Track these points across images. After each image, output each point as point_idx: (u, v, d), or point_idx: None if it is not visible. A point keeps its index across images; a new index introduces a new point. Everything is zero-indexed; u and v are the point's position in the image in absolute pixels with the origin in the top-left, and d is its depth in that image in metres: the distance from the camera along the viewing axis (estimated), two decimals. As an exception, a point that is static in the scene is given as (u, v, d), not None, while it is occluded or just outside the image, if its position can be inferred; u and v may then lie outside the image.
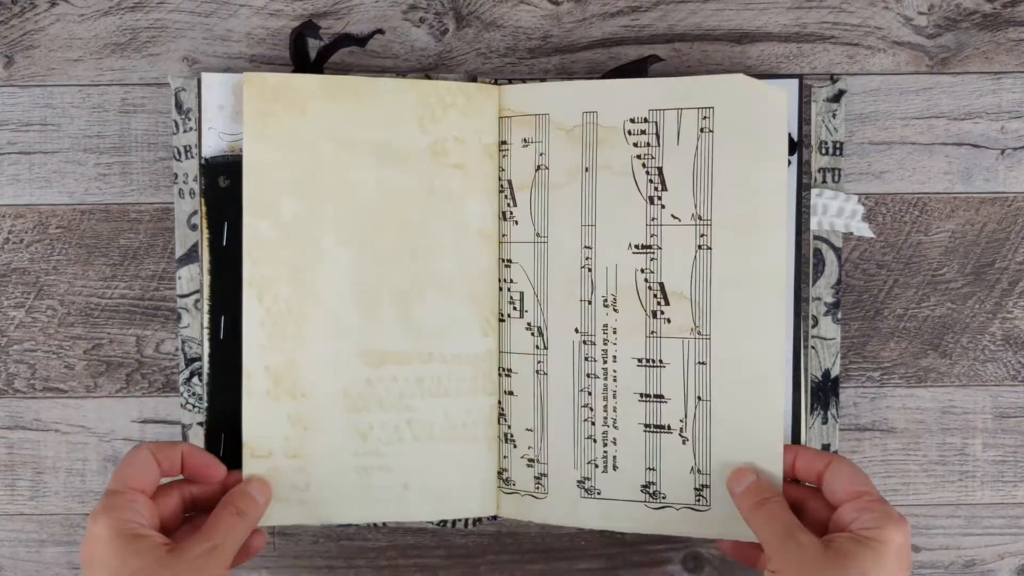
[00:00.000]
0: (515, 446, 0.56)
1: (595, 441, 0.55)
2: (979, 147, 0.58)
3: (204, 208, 0.55)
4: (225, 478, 0.52)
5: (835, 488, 0.49)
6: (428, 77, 0.56)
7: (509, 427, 0.56)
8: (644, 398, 0.54)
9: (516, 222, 0.56)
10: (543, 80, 0.57)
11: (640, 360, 0.54)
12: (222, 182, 0.55)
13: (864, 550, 0.45)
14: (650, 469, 0.54)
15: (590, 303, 0.54)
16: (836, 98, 0.56)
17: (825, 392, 0.57)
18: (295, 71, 0.55)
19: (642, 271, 0.54)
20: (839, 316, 0.57)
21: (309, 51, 0.56)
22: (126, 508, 0.46)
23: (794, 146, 0.54)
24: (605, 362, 0.54)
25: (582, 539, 0.59)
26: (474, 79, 0.56)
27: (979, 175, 0.58)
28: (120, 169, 0.58)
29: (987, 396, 0.59)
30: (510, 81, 0.56)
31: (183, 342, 0.57)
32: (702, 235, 0.53)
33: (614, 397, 0.54)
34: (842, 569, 0.45)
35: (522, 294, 0.56)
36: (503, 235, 0.56)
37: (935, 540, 0.59)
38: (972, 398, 0.59)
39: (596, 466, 0.55)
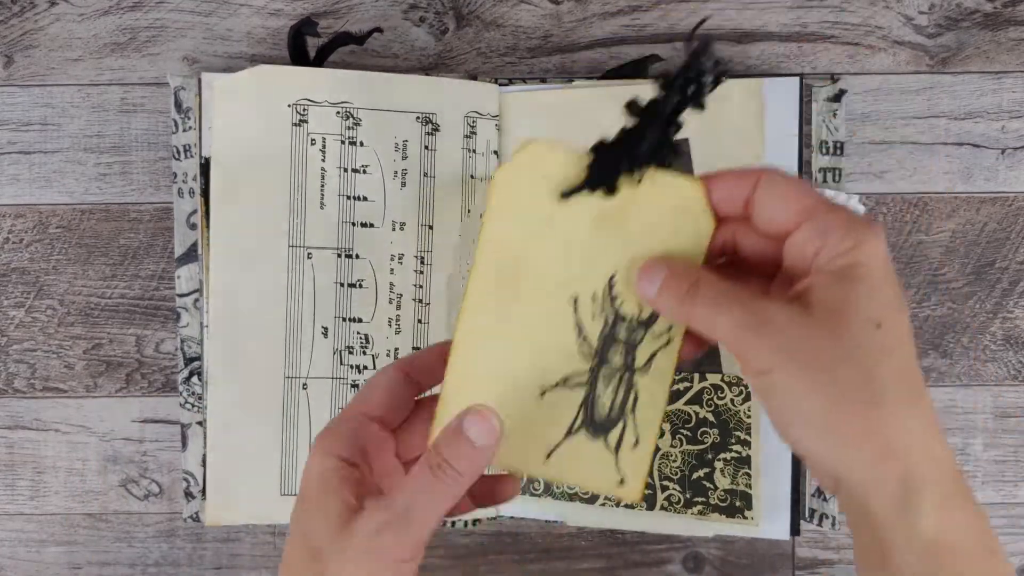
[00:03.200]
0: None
1: None
2: (980, 147, 0.58)
3: (204, 207, 0.55)
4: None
5: (774, 212, 0.35)
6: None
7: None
8: None
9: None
10: (543, 80, 0.57)
11: None
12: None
13: (853, 287, 0.32)
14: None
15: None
16: (837, 98, 0.56)
17: (825, 392, 0.57)
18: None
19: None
20: (839, 316, 0.57)
21: (308, 49, 0.56)
22: (344, 436, 0.38)
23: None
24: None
25: (582, 539, 0.59)
26: (474, 78, 0.56)
27: (980, 175, 0.58)
28: (120, 169, 0.58)
29: (988, 396, 0.59)
30: (510, 81, 0.56)
31: (182, 341, 0.56)
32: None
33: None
34: (841, 328, 0.32)
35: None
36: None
37: (936, 540, 0.59)
38: (973, 398, 0.59)
39: None
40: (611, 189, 0.38)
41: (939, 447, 0.33)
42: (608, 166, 0.38)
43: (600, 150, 0.38)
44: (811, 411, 0.32)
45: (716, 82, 0.36)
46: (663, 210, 0.38)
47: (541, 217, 0.39)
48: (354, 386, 0.56)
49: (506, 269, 0.39)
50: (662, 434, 0.55)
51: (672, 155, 0.38)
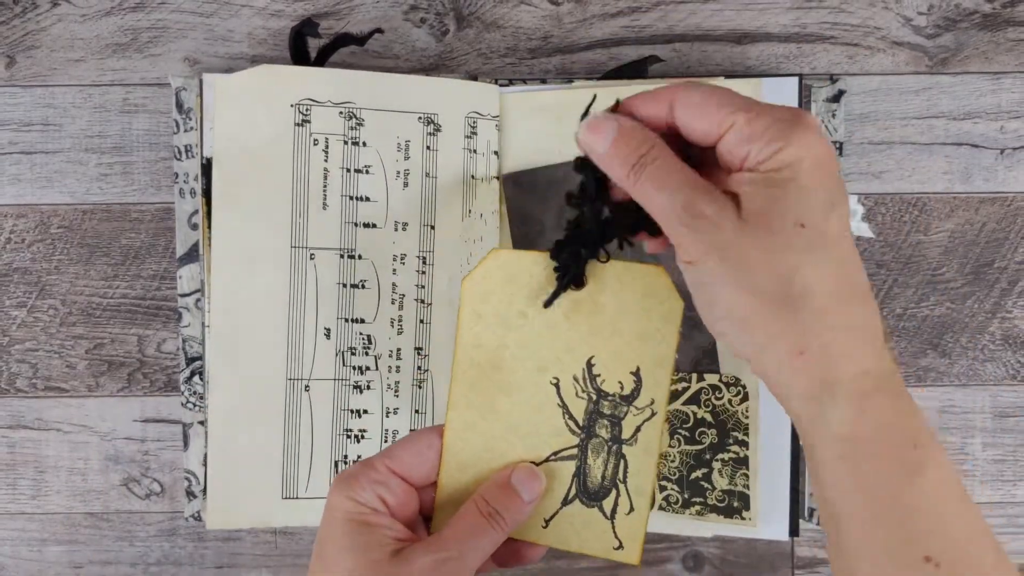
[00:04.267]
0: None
1: None
2: (978, 147, 0.58)
3: (205, 207, 0.55)
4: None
5: (698, 127, 0.34)
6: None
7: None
8: None
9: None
10: (543, 81, 0.57)
11: None
12: (223, 182, 0.56)
13: (777, 190, 0.32)
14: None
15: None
16: (836, 98, 0.56)
17: (825, 391, 0.57)
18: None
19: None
20: (839, 316, 0.57)
21: (309, 50, 0.56)
22: (366, 487, 0.38)
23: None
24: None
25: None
26: (475, 79, 0.56)
27: (978, 175, 0.58)
28: (121, 169, 0.58)
29: (986, 395, 0.59)
30: (511, 81, 0.56)
31: (184, 341, 0.57)
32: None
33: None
34: (765, 230, 0.32)
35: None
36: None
37: (934, 539, 0.59)
38: (971, 397, 0.59)
39: None
40: (580, 283, 0.40)
41: (863, 346, 0.33)
42: (571, 261, 0.39)
43: (560, 249, 0.39)
44: (733, 306, 0.33)
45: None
46: (631, 295, 0.40)
47: (514, 314, 0.40)
48: (356, 387, 0.56)
49: (485, 363, 0.41)
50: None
51: (630, 234, 0.38)
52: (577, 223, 0.38)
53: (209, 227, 0.55)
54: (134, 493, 0.59)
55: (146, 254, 0.58)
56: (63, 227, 0.58)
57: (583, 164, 0.37)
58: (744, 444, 0.55)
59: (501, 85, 0.56)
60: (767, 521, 0.55)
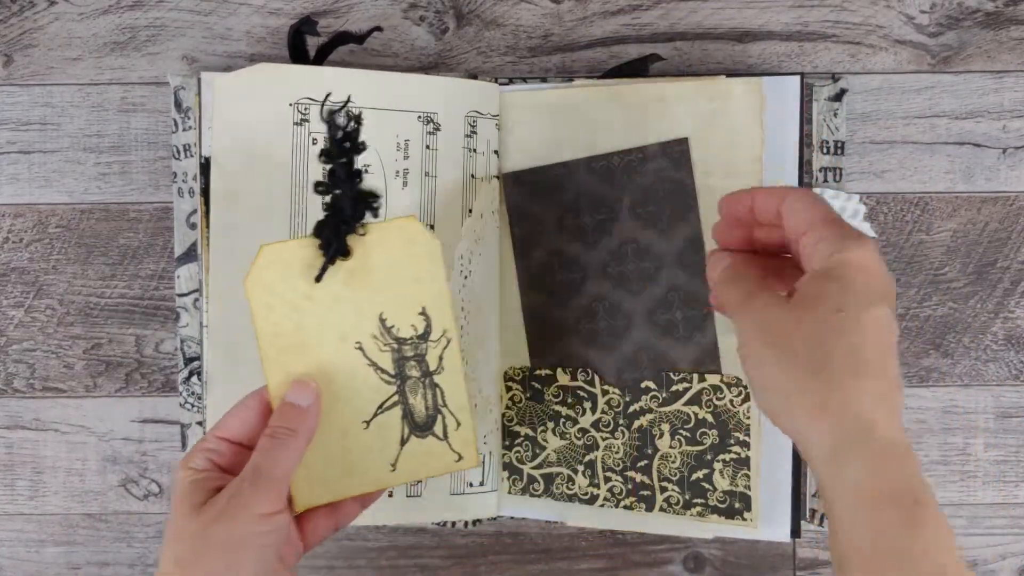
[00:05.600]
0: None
1: None
2: (981, 146, 0.58)
3: (204, 207, 0.55)
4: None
5: (792, 223, 0.40)
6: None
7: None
8: None
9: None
10: (544, 79, 0.57)
11: None
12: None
13: (827, 282, 0.37)
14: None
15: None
16: (838, 97, 0.56)
17: (826, 392, 0.57)
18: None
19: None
20: (840, 316, 0.57)
21: (308, 49, 0.56)
22: (198, 456, 0.43)
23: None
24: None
25: (582, 539, 0.59)
26: (475, 78, 0.56)
27: (981, 174, 0.58)
28: (120, 168, 0.58)
29: (989, 396, 0.59)
30: (511, 80, 0.56)
31: (182, 341, 0.56)
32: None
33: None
34: (808, 312, 0.37)
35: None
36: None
37: (936, 540, 0.59)
38: (974, 398, 0.59)
39: None
40: (345, 253, 0.45)
41: (881, 416, 0.36)
42: (332, 236, 0.45)
43: (321, 228, 0.45)
44: (773, 376, 0.38)
45: (356, 130, 0.46)
46: (394, 249, 0.46)
47: (300, 297, 0.45)
48: None
49: (290, 347, 0.45)
50: (660, 434, 0.55)
51: (374, 202, 0.46)
52: (333, 204, 0.45)
53: (207, 226, 0.55)
54: (132, 494, 0.59)
55: (144, 254, 0.58)
56: (61, 226, 0.58)
57: (329, 153, 0.45)
58: (745, 445, 0.55)
59: (501, 84, 0.56)
60: (768, 522, 0.55)
